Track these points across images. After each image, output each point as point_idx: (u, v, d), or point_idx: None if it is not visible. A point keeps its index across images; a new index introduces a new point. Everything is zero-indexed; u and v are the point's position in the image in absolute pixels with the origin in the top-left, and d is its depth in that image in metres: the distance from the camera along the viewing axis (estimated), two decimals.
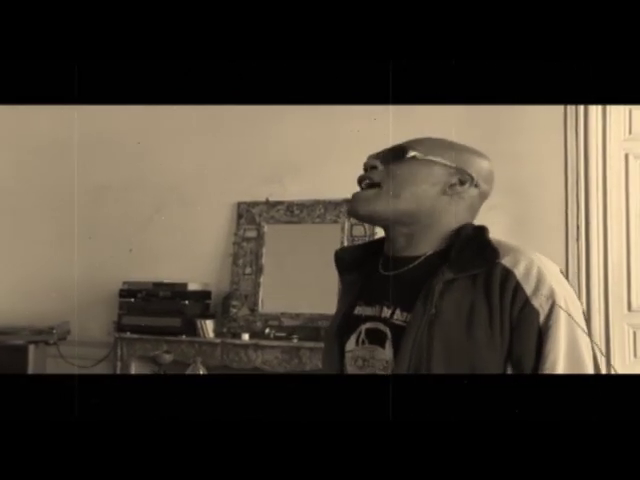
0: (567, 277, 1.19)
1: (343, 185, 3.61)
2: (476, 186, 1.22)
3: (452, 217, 1.20)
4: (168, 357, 3.09)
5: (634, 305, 3.23)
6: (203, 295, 3.76)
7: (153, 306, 3.64)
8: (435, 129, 3.56)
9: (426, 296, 1.12)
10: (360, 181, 1.24)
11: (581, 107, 3.20)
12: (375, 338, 1.20)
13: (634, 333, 3.22)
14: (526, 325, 1.09)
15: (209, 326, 3.57)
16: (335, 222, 3.66)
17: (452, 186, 1.20)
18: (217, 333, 3.60)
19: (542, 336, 1.09)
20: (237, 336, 3.56)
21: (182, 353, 3.51)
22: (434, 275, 1.14)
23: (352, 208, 1.23)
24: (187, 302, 3.62)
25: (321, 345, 3.35)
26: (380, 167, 1.21)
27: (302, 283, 3.70)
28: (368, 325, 1.21)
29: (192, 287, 3.69)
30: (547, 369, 1.08)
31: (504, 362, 1.10)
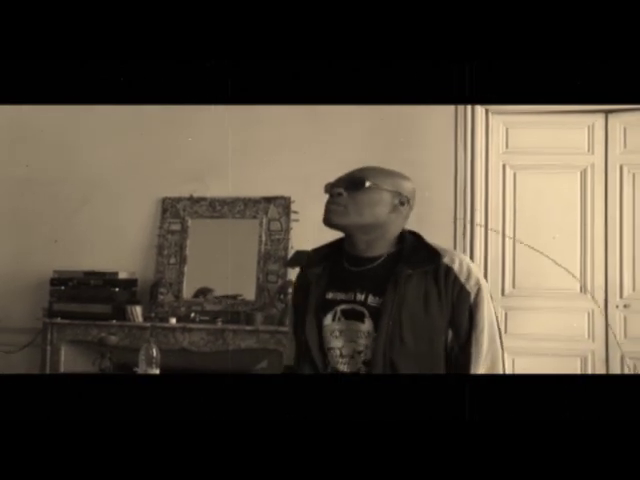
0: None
1: (262, 184, 4.05)
2: (409, 203, 1.68)
3: (395, 227, 1.67)
4: (114, 338, 3.40)
5: (507, 291, 3.88)
6: (130, 283, 4.06)
7: (84, 293, 3.90)
8: (346, 138, 4.01)
9: (394, 286, 1.58)
10: (330, 204, 1.64)
11: (469, 124, 3.79)
12: (351, 315, 1.62)
13: (506, 314, 3.87)
14: (462, 302, 1.60)
15: (138, 311, 3.89)
16: (254, 218, 4.07)
17: (395, 207, 1.64)
18: (145, 317, 3.92)
19: (472, 310, 1.61)
20: (165, 320, 3.90)
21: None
22: (396, 270, 1.60)
23: (329, 218, 1.63)
24: (117, 289, 3.91)
25: (243, 327, 3.78)
26: (344, 194, 1.63)
27: (223, 272, 4.09)
28: (343, 306, 1.63)
29: (121, 275, 3.99)
30: (478, 332, 1.60)
31: (446, 328, 1.60)
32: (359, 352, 1.61)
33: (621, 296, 3.77)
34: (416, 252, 1.63)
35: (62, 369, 3.93)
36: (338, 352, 1.63)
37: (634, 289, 3.76)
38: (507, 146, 3.90)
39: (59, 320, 3.93)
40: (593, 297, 3.79)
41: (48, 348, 3.95)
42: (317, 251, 1.75)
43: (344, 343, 1.62)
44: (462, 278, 1.60)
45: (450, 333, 1.60)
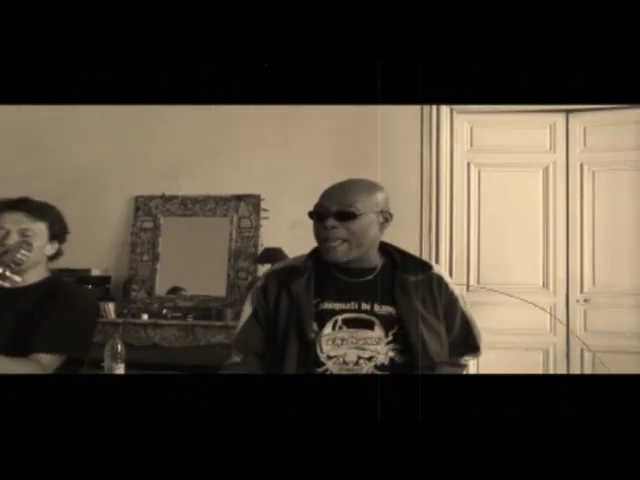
0: None
1: (232, 182, 4.12)
2: (391, 217, 1.77)
3: (379, 239, 1.76)
4: None
5: (472, 287, 3.97)
6: (104, 280, 4.12)
7: None
8: (314, 137, 4.06)
9: (407, 294, 1.70)
10: (328, 239, 1.69)
11: (434, 123, 3.87)
12: (355, 324, 1.69)
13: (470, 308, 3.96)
14: (454, 306, 1.78)
15: (111, 308, 3.95)
16: (225, 216, 4.14)
17: (382, 224, 1.74)
18: (118, 314, 3.99)
19: (464, 312, 1.81)
20: (137, 316, 3.96)
21: None
22: (399, 279, 1.72)
23: (333, 257, 1.69)
24: (90, 286, 3.96)
25: (213, 323, 3.85)
26: (338, 226, 1.68)
27: (194, 269, 4.16)
28: (345, 316, 1.70)
29: (94, 272, 4.04)
30: (475, 328, 1.80)
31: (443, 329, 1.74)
32: (368, 358, 1.67)
33: (581, 291, 3.87)
34: (406, 262, 1.76)
35: None
36: (341, 360, 1.67)
37: (594, 284, 3.86)
38: (471, 144, 3.99)
39: None
40: (555, 292, 3.88)
41: None
42: (301, 263, 1.78)
43: (347, 350, 1.67)
44: (450, 286, 1.79)
45: (444, 333, 1.75)
